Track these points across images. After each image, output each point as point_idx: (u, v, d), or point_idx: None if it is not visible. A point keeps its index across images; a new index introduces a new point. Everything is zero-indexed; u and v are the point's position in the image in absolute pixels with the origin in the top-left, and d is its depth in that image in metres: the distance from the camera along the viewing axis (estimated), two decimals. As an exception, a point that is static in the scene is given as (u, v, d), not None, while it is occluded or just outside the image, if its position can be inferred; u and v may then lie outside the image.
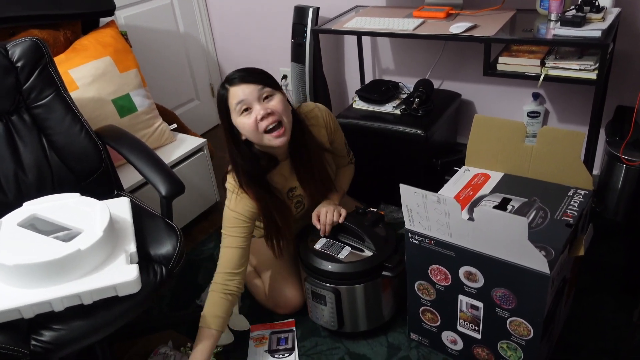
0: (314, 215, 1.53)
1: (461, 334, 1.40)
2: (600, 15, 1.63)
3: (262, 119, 1.33)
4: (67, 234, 1.26)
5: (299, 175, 1.53)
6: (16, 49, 1.46)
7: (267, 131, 1.35)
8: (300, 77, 2.34)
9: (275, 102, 1.35)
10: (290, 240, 1.64)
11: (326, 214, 1.51)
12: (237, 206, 1.45)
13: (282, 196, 1.52)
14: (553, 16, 1.72)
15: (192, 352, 1.39)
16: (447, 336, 1.45)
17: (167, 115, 2.25)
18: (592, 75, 1.59)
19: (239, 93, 1.33)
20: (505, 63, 1.73)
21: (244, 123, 1.35)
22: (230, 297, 1.44)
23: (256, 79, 1.35)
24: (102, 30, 2.01)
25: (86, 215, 1.28)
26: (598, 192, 1.90)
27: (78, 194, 1.37)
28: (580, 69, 1.60)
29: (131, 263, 1.22)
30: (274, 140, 1.36)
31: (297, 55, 2.33)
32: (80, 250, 1.15)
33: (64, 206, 1.32)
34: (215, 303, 1.43)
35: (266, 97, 1.35)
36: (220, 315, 1.42)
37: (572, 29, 1.61)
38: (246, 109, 1.34)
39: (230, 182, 1.47)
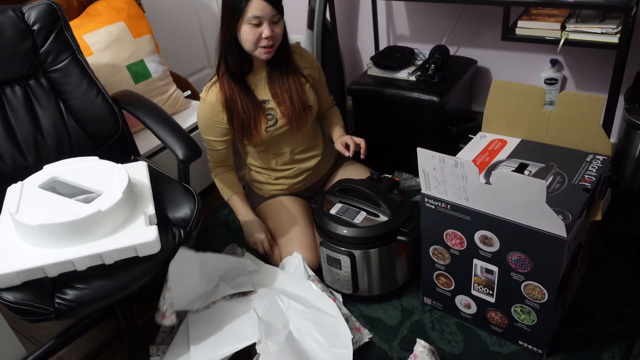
0: (338, 145, 1.71)
1: (475, 298, 1.42)
2: (624, -23, 1.59)
3: (266, 38, 1.51)
4: (86, 197, 1.28)
5: (272, 90, 1.65)
6: (32, 12, 1.45)
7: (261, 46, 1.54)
8: (313, 44, 2.30)
9: (280, 29, 1.54)
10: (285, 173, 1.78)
11: (349, 138, 1.70)
12: (203, 110, 1.64)
13: (256, 101, 1.63)
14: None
15: (239, 216, 1.74)
16: (460, 300, 1.46)
17: (181, 82, 2.25)
18: (614, 39, 1.55)
19: (258, 8, 1.47)
20: (525, 27, 1.69)
21: (248, 33, 1.51)
22: (232, 172, 1.77)
23: (274, 1, 1.50)
24: (115, -5, 1.99)
25: (105, 178, 1.29)
26: (615, 160, 1.88)
27: (97, 158, 1.38)
28: (601, 33, 1.56)
29: (150, 224, 1.24)
30: (263, 55, 1.54)
31: (311, 21, 2.30)
32: (100, 211, 1.17)
33: (84, 169, 1.33)
34: (225, 179, 1.74)
35: (274, 22, 1.52)
36: (236, 182, 1.76)
37: (595, -9, 1.57)
38: (256, 24, 1.49)
39: (204, 90, 1.65)
